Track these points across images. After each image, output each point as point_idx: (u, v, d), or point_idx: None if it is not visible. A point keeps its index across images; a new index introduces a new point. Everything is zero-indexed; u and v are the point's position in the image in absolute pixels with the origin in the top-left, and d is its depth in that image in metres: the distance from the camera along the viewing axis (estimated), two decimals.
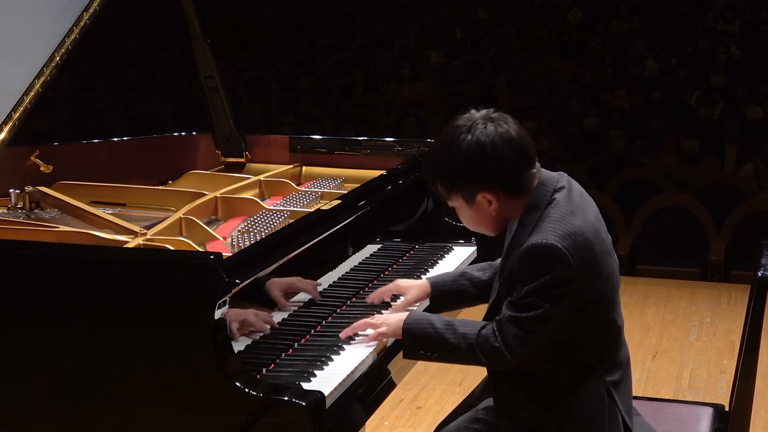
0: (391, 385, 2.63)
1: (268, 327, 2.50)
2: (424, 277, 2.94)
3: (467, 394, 2.82)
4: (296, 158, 3.71)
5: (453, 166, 2.41)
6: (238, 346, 2.33)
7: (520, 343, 2.34)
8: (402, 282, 2.78)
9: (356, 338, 2.54)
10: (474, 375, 4.30)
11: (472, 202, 2.44)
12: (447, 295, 2.75)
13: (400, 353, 2.55)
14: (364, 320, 2.55)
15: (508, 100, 10.06)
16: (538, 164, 2.45)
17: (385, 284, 2.82)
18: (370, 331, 2.53)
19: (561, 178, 2.48)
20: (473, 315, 2.78)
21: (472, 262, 3.22)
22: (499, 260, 2.72)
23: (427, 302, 2.77)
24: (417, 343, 2.45)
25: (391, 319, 2.51)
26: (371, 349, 2.48)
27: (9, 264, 2.33)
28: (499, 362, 2.39)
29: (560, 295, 2.32)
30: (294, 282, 2.68)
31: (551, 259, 2.30)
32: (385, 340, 2.54)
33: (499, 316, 2.39)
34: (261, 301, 2.54)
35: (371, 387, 2.46)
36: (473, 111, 2.46)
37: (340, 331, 2.57)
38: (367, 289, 2.90)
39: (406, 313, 2.51)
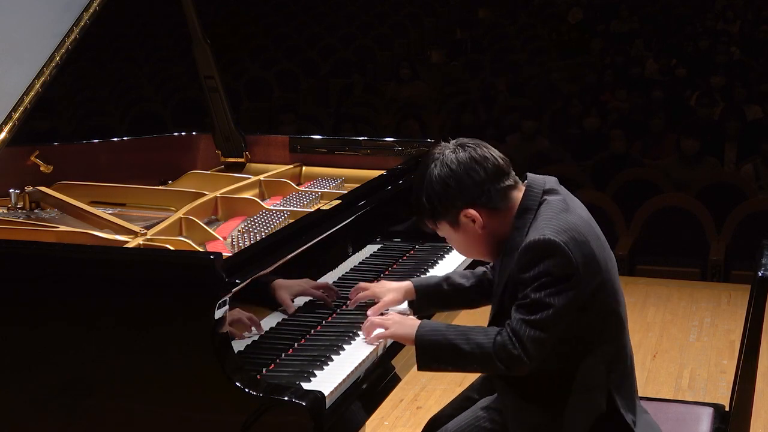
0: (393, 383, 2.63)
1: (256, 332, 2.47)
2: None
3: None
4: (296, 158, 3.71)
5: (430, 195, 2.45)
6: (238, 346, 2.33)
7: (536, 345, 2.32)
8: (377, 287, 2.74)
9: (358, 337, 2.54)
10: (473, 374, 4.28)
11: (457, 226, 2.46)
12: (430, 299, 2.75)
13: (403, 349, 2.57)
14: (378, 320, 2.53)
15: (508, 100, 10.06)
16: (515, 176, 2.48)
17: None
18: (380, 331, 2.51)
19: (548, 180, 2.49)
20: (473, 319, 2.78)
21: (469, 265, 3.21)
22: (480, 268, 2.77)
23: (405, 304, 2.74)
24: (430, 354, 2.42)
25: (405, 326, 2.47)
26: (372, 349, 2.48)
27: (9, 264, 2.33)
28: (519, 368, 2.35)
29: (566, 289, 2.31)
30: (305, 288, 2.70)
31: (551, 253, 2.31)
32: (385, 340, 2.54)
33: (510, 321, 2.35)
34: (265, 301, 2.54)
35: (372, 386, 2.46)
36: (443, 142, 2.51)
37: (340, 331, 2.57)
38: None
39: (418, 322, 2.46)
